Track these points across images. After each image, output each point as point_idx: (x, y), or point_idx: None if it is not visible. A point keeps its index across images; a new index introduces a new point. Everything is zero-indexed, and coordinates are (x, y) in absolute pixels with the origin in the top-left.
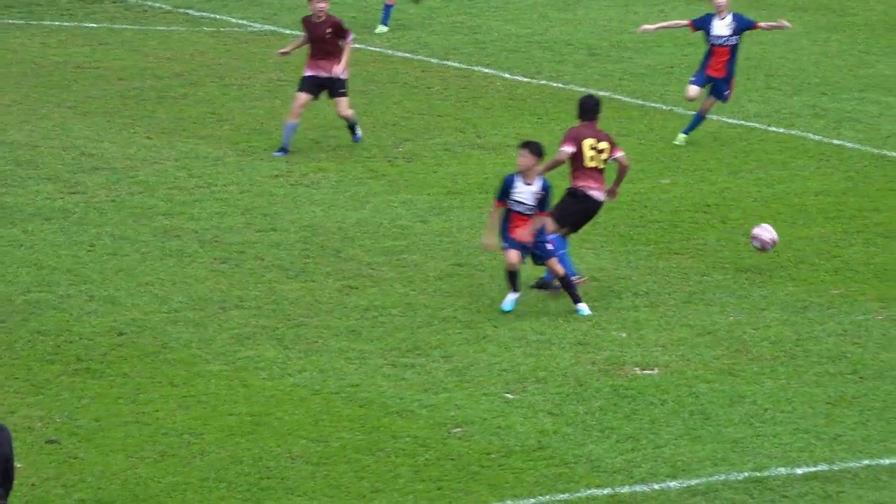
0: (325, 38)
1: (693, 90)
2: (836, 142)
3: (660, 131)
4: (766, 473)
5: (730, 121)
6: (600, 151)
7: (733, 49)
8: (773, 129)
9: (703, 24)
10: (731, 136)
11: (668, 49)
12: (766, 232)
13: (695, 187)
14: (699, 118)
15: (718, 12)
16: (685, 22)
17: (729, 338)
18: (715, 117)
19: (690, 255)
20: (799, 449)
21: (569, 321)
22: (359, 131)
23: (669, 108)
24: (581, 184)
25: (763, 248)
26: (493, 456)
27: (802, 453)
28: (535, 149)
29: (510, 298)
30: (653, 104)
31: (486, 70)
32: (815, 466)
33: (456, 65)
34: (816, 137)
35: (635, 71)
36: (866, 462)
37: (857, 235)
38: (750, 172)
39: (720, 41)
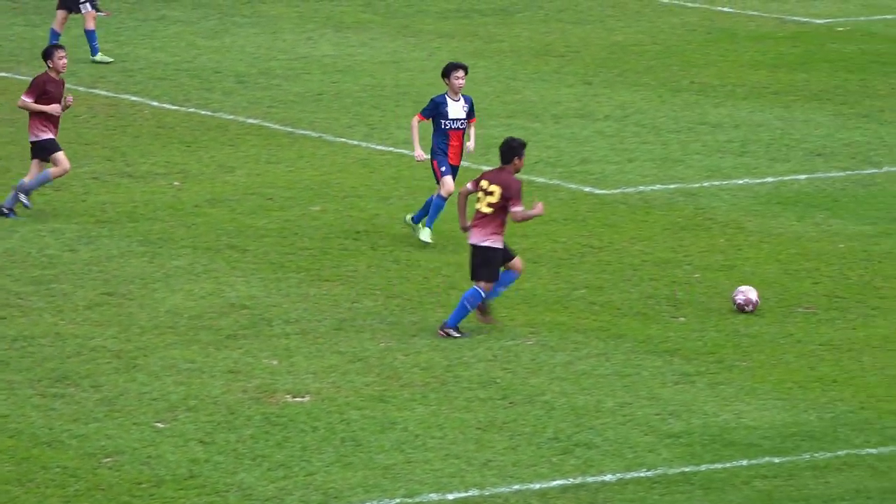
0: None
1: (450, 182)
2: (483, 167)
3: (309, 158)
4: (417, 499)
5: (378, 147)
6: (487, 194)
7: (464, 134)
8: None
9: (434, 109)
10: (380, 162)
11: (316, 76)
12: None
13: (345, 214)
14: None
15: (454, 93)
16: (416, 118)
17: (380, 364)
18: (364, 144)
19: (341, 283)
20: (450, 475)
21: (220, 349)
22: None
23: (319, 135)
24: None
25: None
26: (143, 486)
27: (454, 479)
28: None
29: None
30: (302, 131)
31: (134, 98)
32: (466, 492)
33: (104, 93)
34: (464, 163)
35: (284, 98)
36: (517, 487)
37: None
38: (400, 199)
39: (457, 124)
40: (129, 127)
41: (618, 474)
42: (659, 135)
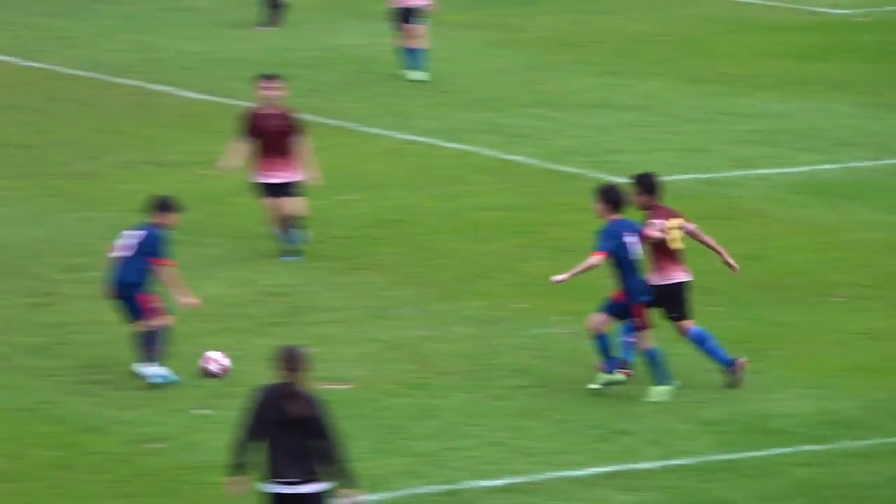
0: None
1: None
2: (510, 157)
3: (339, 148)
4: (456, 486)
5: (407, 137)
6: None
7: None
8: (450, 144)
9: None
10: (408, 151)
11: (343, 66)
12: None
13: (375, 203)
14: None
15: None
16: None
17: (417, 352)
18: (392, 133)
19: (375, 271)
20: (488, 461)
21: (258, 337)
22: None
23: (348, 124)
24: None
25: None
26: (185, 471)
27: (492, 466)
28: None
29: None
30: (331, 121)
31: (163, 87)
32: (504, 479)
33: (132, 82)
34: (491, 153)
35: (312, 88)
36: (553, 474)
37: (534, 250)
38: (429, 188)
39: None
40: (158, 116)
41: (658, 462)
42: (683, 124)
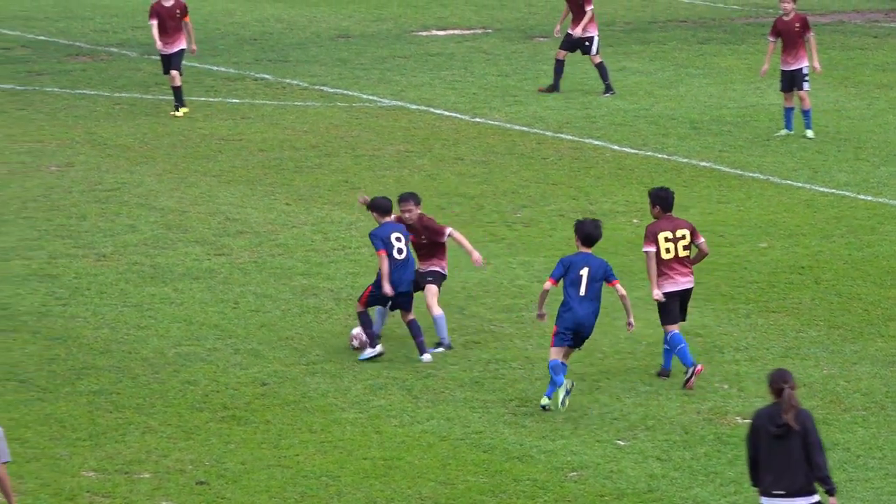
0: None
1: None
2: None
3: (757, 199)
4: None
5: (822, 189)
6: (679, 239)
7: None
8: (862, 196)
9: None
10: (822, 203)
11: (764, 123)
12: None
13: (790, 251)
14: None
15: None
16: None
17: (823, 390)
18: (808, 186)
19: (787, 314)
20: (889, 493)
21: (675, 374)
22: None
23: (766, 177)
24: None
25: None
26: (606, 498)
27: (893, 497)
28: None
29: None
30: (751, 174)
31: (597, 142)
32: None
33: (569, 137)
34: None
35: (734, 143)
36: None
37: None
38: (841, 237)
39: None
40: (591, 168)
41: None
42: None
